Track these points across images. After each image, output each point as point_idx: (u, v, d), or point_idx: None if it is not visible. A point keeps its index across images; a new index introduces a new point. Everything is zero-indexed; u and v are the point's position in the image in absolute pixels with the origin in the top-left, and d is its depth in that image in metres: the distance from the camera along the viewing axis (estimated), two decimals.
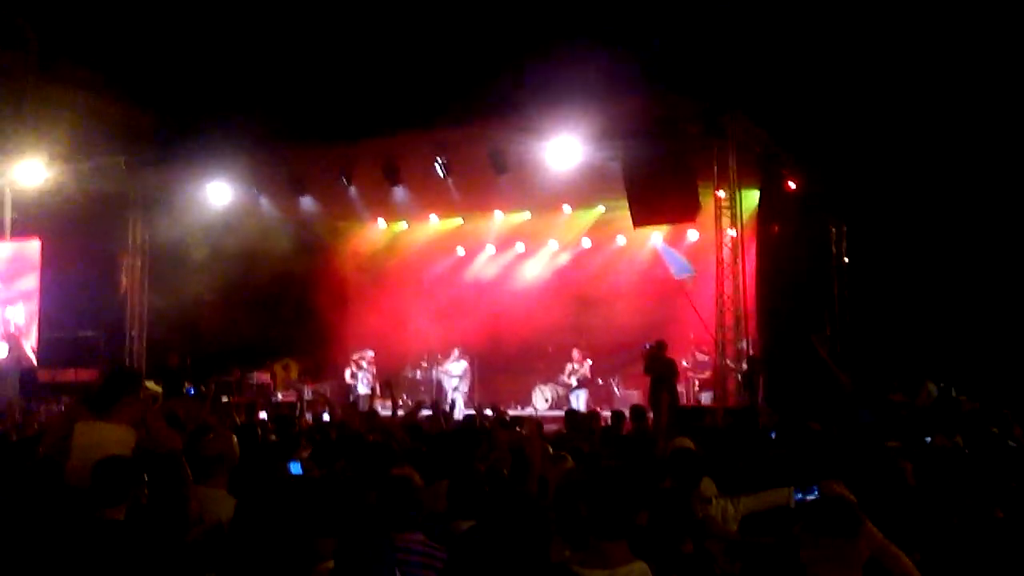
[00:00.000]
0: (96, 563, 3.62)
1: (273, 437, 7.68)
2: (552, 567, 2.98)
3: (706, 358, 15.23)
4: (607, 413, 11.62)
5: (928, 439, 6.74)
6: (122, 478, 4.04)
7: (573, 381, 16.40)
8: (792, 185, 14.95)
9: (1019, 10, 12.92)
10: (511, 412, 12.96)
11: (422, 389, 16.84)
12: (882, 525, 2.88)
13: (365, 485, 4.06)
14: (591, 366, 16.44)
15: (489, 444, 6.76)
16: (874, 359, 13.68)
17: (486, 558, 3.47)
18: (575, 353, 16.48)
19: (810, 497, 3.99)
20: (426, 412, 11.07)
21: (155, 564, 3.69)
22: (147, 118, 16.46)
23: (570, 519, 3.47)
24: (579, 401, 15.74)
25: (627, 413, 9.65)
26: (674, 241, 17.52)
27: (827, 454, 5.57)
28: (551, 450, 5.92)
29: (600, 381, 16.68)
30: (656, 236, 17.76)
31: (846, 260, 16.30)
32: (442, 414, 10.70)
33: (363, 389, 16.76)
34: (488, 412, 11.05)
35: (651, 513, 3.90)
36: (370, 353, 17.25)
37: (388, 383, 13.65)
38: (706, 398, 14.91)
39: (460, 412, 13.07)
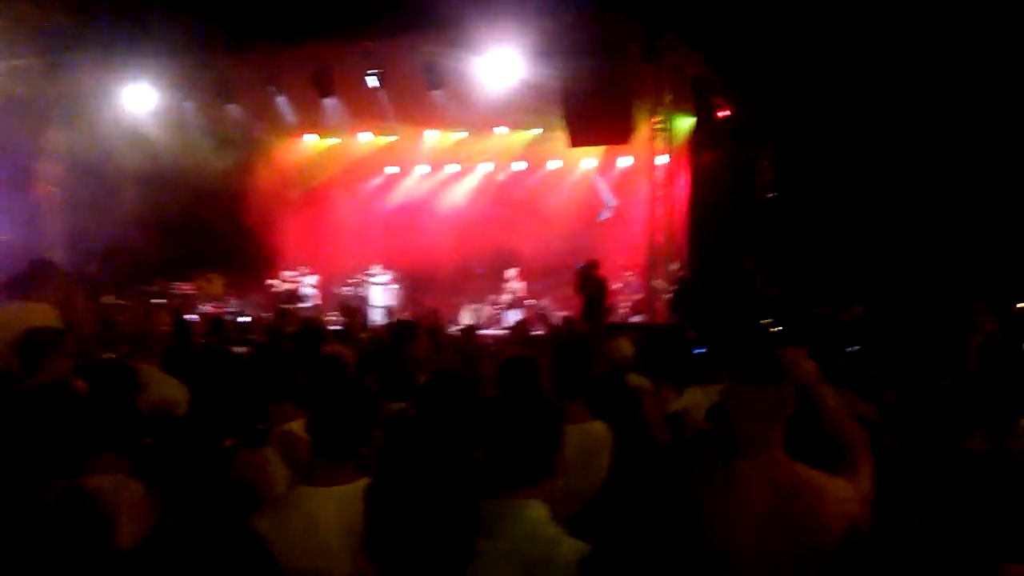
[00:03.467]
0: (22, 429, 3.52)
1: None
2: None
3: (634, 280, 15.42)
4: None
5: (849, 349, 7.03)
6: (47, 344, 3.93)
7: (507, 300, 16.33)
8: (724, 113, 15.10)
9: None
10: None
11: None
12: None
13: (297, 362, 4.01)
14: (526, 287, 16.34)
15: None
16: (797, 285, 14.02)
17: (423, 433, 3.50)
18: (510, 272, 16.36)
19: None
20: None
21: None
22: (66, 19, 15.60)
23: None
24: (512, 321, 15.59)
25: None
26: (607, 165, 17.59)
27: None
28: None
29: (532, 302, 16.67)
30: (590, 162, 17.84)
31: (770, 193, 16.57)
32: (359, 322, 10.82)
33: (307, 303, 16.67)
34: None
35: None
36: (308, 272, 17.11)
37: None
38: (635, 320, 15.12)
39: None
